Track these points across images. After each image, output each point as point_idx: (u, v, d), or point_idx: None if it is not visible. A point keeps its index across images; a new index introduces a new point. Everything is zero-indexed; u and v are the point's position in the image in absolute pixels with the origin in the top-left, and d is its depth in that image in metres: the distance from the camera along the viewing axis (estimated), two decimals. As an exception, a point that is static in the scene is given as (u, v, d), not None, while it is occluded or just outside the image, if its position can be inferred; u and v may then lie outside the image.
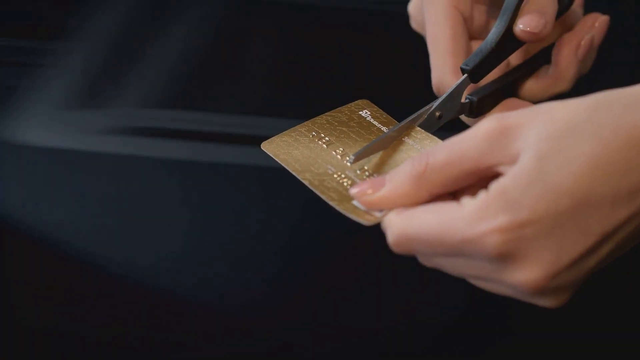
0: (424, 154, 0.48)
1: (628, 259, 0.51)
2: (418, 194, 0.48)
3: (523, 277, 0.45)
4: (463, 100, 0.57)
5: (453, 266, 0.48)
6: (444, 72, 0.59)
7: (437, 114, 0.56)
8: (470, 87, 0.58)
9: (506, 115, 0.46)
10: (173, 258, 0.78)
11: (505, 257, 0.44)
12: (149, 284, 0.78)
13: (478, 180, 0.47)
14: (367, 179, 0.51)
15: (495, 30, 0.57)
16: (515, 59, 0.62)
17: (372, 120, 0.57)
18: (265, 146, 0.55)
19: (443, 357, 0.79)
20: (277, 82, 0.80)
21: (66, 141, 0.78)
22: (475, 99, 0.58)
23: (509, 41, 0.58)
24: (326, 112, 0.57)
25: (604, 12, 0.63)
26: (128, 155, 0.78)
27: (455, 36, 0.59)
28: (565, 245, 0.44)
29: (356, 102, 0.58)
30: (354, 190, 0.50)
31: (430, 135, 0.54)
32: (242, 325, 0.78)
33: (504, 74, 0.60)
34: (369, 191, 0.49)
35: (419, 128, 0.54)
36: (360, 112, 0.58)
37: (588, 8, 0.64)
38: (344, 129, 0.56)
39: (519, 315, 0.77)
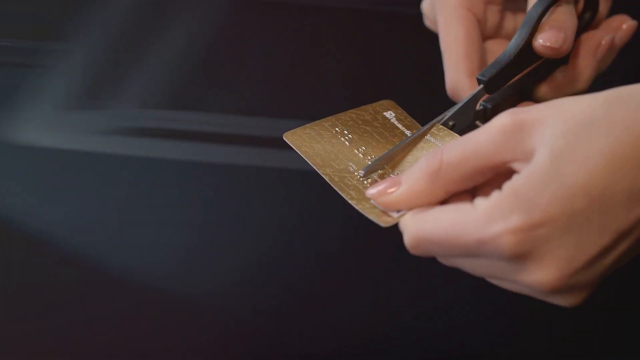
0: (438, 150, 0.47)
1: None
2: (434, 192, 0.48)
3: (538, 277, 0.45)
4: (477, 107, 0.57)
5: (470, 266, 0.48)
6: (458, 76, 0.59)
7: (451, 123, 0.56)
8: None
9: (521, 110, 0.46)
10: (173, 258, 0.78)
11: (520, 257, 0.44)
12: (149, 284, 0.78)
13: (494, 176, 0.47)
14: (385, 179, 0.51)
15: (514, 43, 0.57)
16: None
17: (396, 122, 0.57)
18: (288, 137, 0.55)
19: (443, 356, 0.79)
20: (277, 82, 0.80)
21: (66, 141, 0.78)
22: (489, 105, 0.57)
23: (527, 54, 0.57)
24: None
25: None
26: (128, 155, 0.78)
27: (468, 39, 0.59)
28: (581, 244, 0.44)
29: (381, 102, 0.58)
30: (371, 191, 0.50)
31: (452, 132, 0.54)
32: (242, 325, 0.78)
33: (518, 79, 0.60)
34: (387, 191, 0.49)
35: (441, 125, 0.54)
36: (385, 113, 0.57)
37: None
38: (367, 128, 0.56)
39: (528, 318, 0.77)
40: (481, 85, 0.56)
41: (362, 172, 0.51)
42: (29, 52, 0.80)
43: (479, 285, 0.78)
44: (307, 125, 0.56)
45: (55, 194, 0.78)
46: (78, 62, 0.80)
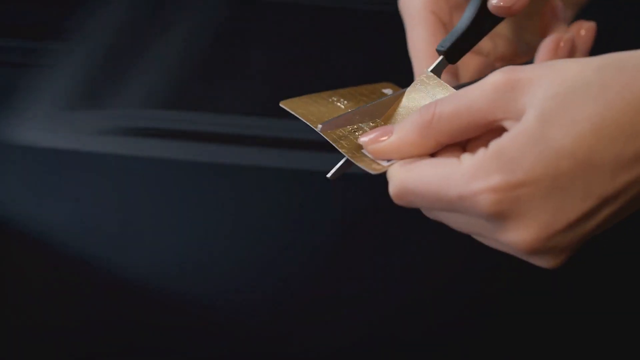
0: (432, 103, 0.48)
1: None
2: (425, 143, 0.48)
3: (517, 236, 0.45)
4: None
5: (452, 221, 0.48)
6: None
7: None
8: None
9: (515, 68, 0.46)
10: (173, 258, 0.78)
11: (499, 216, 0.44)
12: (149, 284, 0.78)
13: (486, 132, 0.48)
14: (378, 127, 0.51)
15: (469, 8, 0.57)
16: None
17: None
18: (285, 103, 0.55)
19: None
20: (277, 82, 0.80)
21: (66, 141, 0.78)
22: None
23: (484, 19, 0.57)
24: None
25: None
26: (128, 155, 0.78)
27: (432, 39, 0.59)
28: (563, 207, 0.44)
29: (381, 83, 0.58)
30: (363, 139, 0.50)
31: (442, 82, 0.53)
32: (242, 325, 0.78)
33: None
34: (378, 139, 0.49)
35: (432, 74, 0.54)
36: (384, 90, 0.58)
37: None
38: (364, 98, 0.56)
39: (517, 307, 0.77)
40: (442, 57, 0.56)
41: (319, 126, 0.52)
42: (29, 52, 0.80)
43: (479, 286, 0.78)
44: (304, 95, 0.56)
45: (55, 194, 0.78)
46: (78, 62, 0.80)
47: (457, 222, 0.48)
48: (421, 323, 0.78)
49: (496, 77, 0.46)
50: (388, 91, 0.58)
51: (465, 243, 0.78)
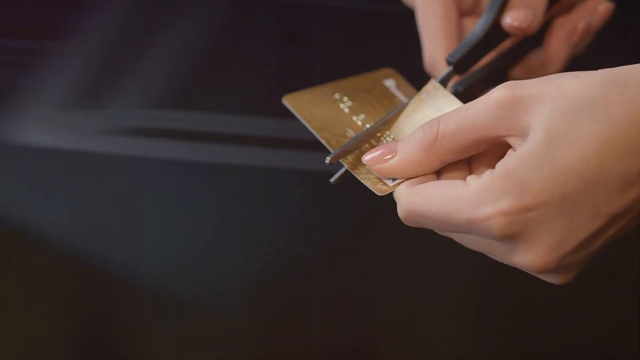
0: (435, 121, 0.48)
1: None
2: (429, 161, 0.48)
3: (527, 259, 0.45)
4: (449, 90, 0.57)
5: (463, 240, 0.49)
6: (437, 52, 0.59)
7: None
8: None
9: (518, 84, 0.46)
10: (173, 258, 0.78)
11: (509, 239, 0.45)
12: (149, 284, 0.78)
13: (490, 148, 0.48)
14: (381, 145, 0.51)
15: (482, 22, 0.57)
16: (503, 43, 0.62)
17: (395, 91, 0.57)
18: (288, 99, 0.55)
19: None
20: (277, 82, 0.80)
21: (66, 141, 0.78)
22: (461, 88, 0.57)
23: (495, 34, 0.57)
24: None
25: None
26: (128, 155, 0.78)
27: (445, 16, 0.59)
28: (573, 228, 0.44)
29: (382, 70, 0.58)
30: (366, 157, 0.50)
31: (448, 94, 0.53)
32: (242, 325, 0.78)
33: (491, 61, 0.59)
34: (382, 158, 0.49)
35: (438, 84, 0.54)
36: (385, 81, 0.57)
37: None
38: (367, 96, 0.56)
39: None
40: (451, 67, 0.56)
41: (327, 159, 0.51)
42: (29, 52, 0.80)
43: (480, 287, 0.78)
44: (307, 89, 0.56)
45: (55, 194, 0.78)
46: (78, 62, 0.80)
47: (467, 241, 0.48)
48: (422, 323, 0.78)
49: (500, 94, 0.46)
50: (390, 82, 0.58)
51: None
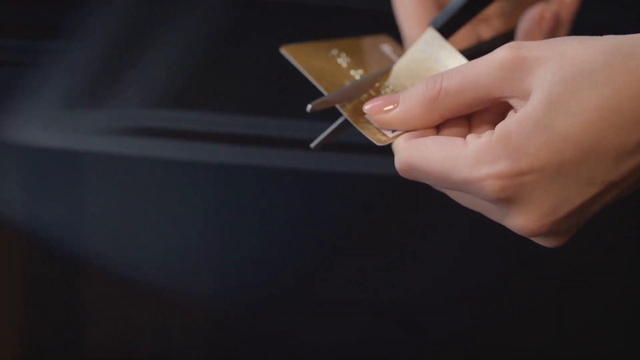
0: (438, 77, 0.48)
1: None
2: (430, 116, 0.48)
3: (520, 222, 0.45)
4: None
5: (458, 198, 0.49)
6: (414, 37, 0.59)
7: None
8: None
9: (522, 46, 0.46)
10: (173, 258, 0.78)
11: (503, 201, 0.45)
12: (149, 284, 0.78)
13: (491, 106, 0.48)
14: (382, 95, 0.51)
15: None
16: (484, 34, 0.62)
17: (392, 55, 0.57)
18: (287, 49, 0.54)
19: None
20: (277, 82, 0.80)
21: (66, 141, 0.78)
22: None
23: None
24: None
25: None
26: (128, 155, 0.78)
27: (422, 2, 0.59)
28: (567, 194, 0.45)
29: (379, 35, 0.58)
30: (367, 107, 0.50)
31: (446, 44, 0.53)
32: (242, 325, 0.78)
33: (471, 47, 0.60)
34: (383, 109, 0.49)
35: (436, 33, 0.53)
36: (382, 46, 0.57)
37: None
38: (363, 55, 0.55)
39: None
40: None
41: (309, 106, 0.51)
42: (29, 52, 0.80)
43: (480, 286, 0.78)
44: (305, 42, 0.55)
45: (55, 194, 0.78)
46: (78, 62, 0.80)
47: (462, 199, 0.49)
48: (423, 324, 0.78)
49: (504, 54, 0.46)
50: (386, 47, 0.57)
51: (468, 243, 0.78)
